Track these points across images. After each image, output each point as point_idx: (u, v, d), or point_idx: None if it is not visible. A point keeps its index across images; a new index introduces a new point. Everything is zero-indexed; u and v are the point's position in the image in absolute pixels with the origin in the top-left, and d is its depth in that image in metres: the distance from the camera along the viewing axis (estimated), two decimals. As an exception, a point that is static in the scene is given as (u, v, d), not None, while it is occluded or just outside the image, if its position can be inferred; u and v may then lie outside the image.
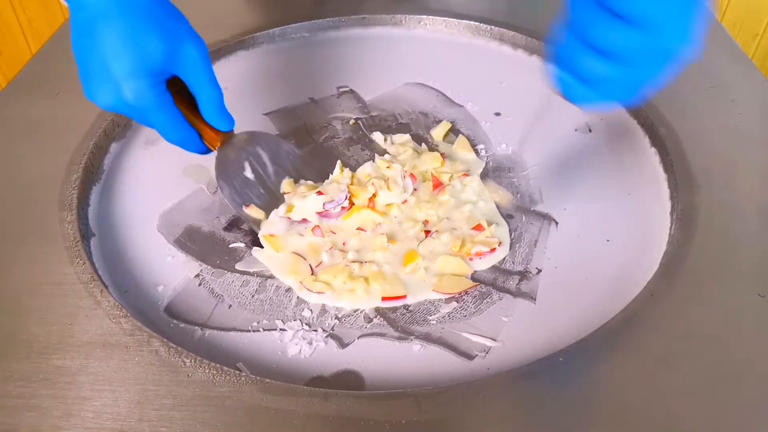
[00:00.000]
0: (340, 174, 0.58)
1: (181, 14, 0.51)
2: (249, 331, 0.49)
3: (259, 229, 0.55)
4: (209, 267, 0.54)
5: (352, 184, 0.57)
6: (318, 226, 0.55)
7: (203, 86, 0.51)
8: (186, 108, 0.52)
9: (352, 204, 0.56)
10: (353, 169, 0.60)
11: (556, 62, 0.45)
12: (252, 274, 0.53)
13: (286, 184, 0.58)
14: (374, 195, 0.57)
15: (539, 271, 0.53)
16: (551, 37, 0.45)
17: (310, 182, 0.58)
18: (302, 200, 0.55)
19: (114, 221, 0.58)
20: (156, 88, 0.48)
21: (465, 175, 0.60)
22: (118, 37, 0.47)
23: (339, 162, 0.59)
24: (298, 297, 0.51)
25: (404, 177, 0.58)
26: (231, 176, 0.56)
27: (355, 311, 0.50)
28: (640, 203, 0.58)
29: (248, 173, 0.57)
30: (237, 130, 0.54)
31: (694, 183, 0.56)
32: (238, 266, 0.54)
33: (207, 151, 0.55)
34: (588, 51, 0.42)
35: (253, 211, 0.56)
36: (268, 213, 0.56)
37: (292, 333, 0.49)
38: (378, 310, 0.50)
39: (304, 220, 0.56)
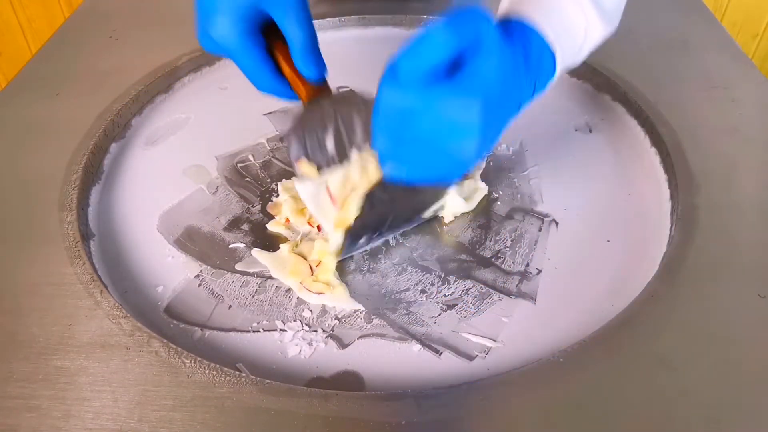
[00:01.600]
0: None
1: None
2: (249, 331, 0.49)
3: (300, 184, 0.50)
4: (209, 267, 0.54)
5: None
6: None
7: (290, 25, 0.48)
8: (285, 56, 0.49)
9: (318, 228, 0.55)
10: None
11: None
12: (252, 275, 0.53)
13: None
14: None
15: (539, 271, 0.53)
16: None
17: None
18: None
19: (114, 221, 0.58)
20: (239, 27, 0.46)
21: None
22: None
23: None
24: (298, 297, 0.51)
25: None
26: (304, 135, 0.50)
27: (355, 312, 0.50)
28: (640, 203, 0.58)
29: (329, 137, 0.50)
30: (238, 127, 0.53)
31: (694, 183, 0.56)
32: (238, 267, 0.54)
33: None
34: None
35: (305, 167, 0.50)
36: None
37: (292, 333, 0.48)
38: (378, 311, 0.50)
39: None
